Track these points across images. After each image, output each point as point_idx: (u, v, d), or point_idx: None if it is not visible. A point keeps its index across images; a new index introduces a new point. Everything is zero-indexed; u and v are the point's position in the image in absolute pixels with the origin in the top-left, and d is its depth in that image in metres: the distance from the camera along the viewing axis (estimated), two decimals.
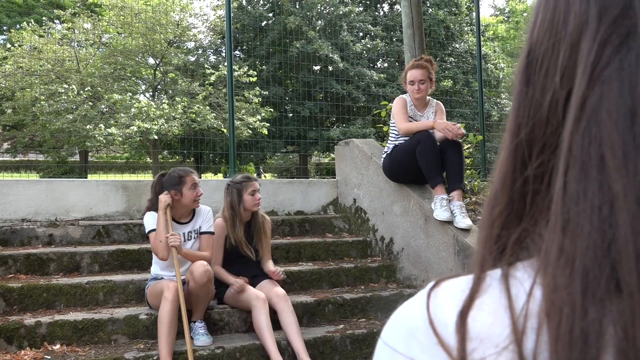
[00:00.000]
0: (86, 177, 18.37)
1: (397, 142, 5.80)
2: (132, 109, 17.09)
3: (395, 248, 6.08)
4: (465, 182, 7.12)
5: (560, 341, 0.50)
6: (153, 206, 4.89)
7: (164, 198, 4.73)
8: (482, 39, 23.72)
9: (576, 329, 0.50)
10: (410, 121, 5.65)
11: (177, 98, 17.96)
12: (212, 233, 4.97)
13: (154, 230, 4.74)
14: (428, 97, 5.79)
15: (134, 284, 5.25)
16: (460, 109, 19.89)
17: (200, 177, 15.32)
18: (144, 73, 20.96)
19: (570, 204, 0.53)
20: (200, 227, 4.96)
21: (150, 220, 4.81)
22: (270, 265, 5.16)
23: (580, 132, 0.54)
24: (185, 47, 21.76)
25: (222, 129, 17.55)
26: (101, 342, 4.80)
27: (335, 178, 7.23)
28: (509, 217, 0.61)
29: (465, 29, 23.40)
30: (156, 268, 4.93)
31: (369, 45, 22.03)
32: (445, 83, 20.88)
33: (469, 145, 7.58)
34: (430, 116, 5.74)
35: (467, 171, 7.37)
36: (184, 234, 4.88)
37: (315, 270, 5.81)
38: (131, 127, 16.62)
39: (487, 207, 0.63)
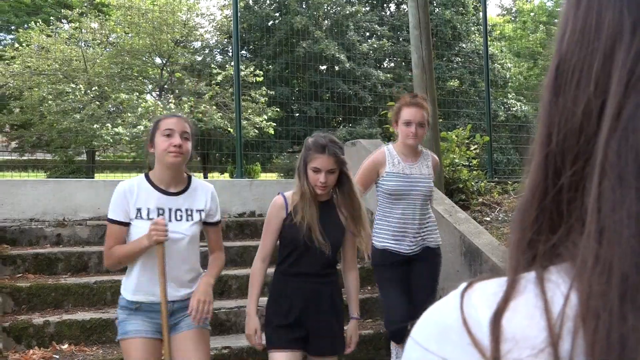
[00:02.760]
0: (93, 177, 18.43)
1: (380, 235, 4.54)
2: (139, 109, 17.10)
3: None
4: (472, 183, 7.13)
5: (597, 346, 0.51)
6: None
7: (155, 229, 3.19)
8: (489, 38, 23.68)
9: (614, 335, 0.50)
10: (392, 184, 4.45)
11: (183, 98, 17.97)
12: (219, 223, 3.62)
13: (116, 222, 3.32)
14: (420, 147, 4.68)
15: None
16: (467, 109, 19.85)
17: (207, 178, 15.34)
18: (150, 73, 20.98)
19: (606, 211, 0.54)
20: (200, 211, 3.46)
21: (117, 201, 3.32)
22: (353, 278, 3.77)
23: (616, 140, 0.55)
24: (192, 47, 21.79)
25: (229, 129, 17.54)
26: (109, 342, 4.83)
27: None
28: (541, 224, 0.61)
29: (472, 28, 23.35)
30: (130, 285, 3.38)
31: (375, 45, 22.01)
32: (451, 83, 20.85)
33: (476, 146, 7.57)
34: (424, 170, 4.56)
35: (474, 172, 7.37)
36: (170, 210, 3.36)
37: None
38: (138, 127, 16.63)
39: (519, 212, 0.64)
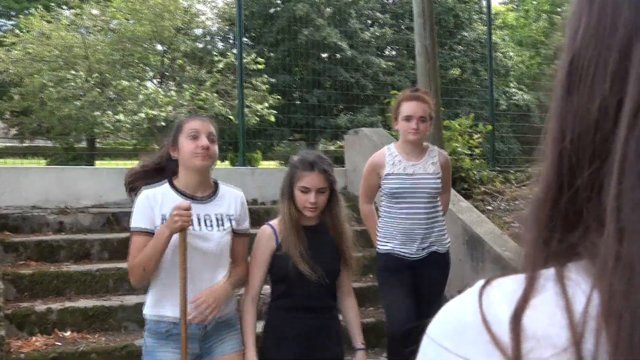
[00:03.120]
0: (93, 164, 18.42)
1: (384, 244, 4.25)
2: (140, 96, 17.07)
3: None
4: (475, 172, 7.13)
5: (621, 346, 0.50)
6: (152, 174, 3.23)
7: (182, 208, 2.88)
8: (493, 27, 23.60)
9: (637, 335, 0.49)
10: (392, 184, 4.16)
11: (184, 85, 17.92)
12: (248, 234, 3.29)
13: (142, 231, 3.00)
14: (426, 143, 4.31)
15: None
16: (469, 98, 19.82)
17: None
18: (151, 60, 20.91)
19: (626, 211, 0.53)
20: (231, 217, 3.16)
21: (141, 208, 3.04)
22: (351, 305, 3.43)
23: (635, 139, 0.54)
24: (193, 34, 21.69)
25: (230, 116, 17.51)
26: (111, 329, 4.85)
27: (344, 167, 7.22)
28: (556, 222, 0.61)
29: (475, 17, 23.26)
30: (154, 298, 3.09)
31: (377, 33, 21.94)
32: (453, 72, 20.79)
33: (479, 135, 7.56)
34: (430, 168, 4.15)
35: (477, 161, 7.36)
36: (199, 217, 3.05)
37: None
38: (139, 114, 16.60)
39: (532, 210, 0.64)
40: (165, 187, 3.08)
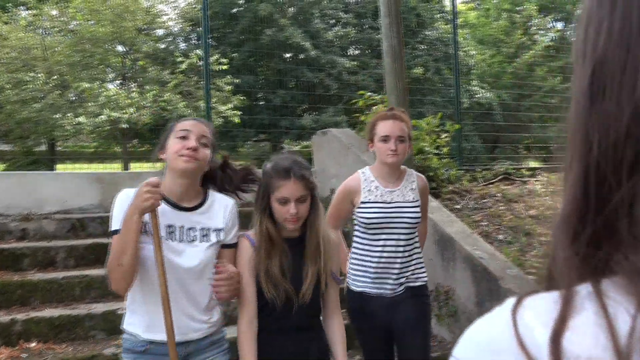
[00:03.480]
0: (54, 168, 18.10)
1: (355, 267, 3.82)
2: (101, 98, 16.84)
3: None
4: (442, 171, 7.15)
5: None
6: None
7: (150, 185, 2.58)
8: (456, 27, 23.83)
9: None
10: (369, 213, 3.68)
11: (147, 86, 17.73)
12: (236, 246, 2.94)
13: (117, 232, 2.67)
14: (403, 166, 3.86)
15: None
16: (432, 97, 19.97)
17: None
18: (112, 61, 20.62)
19: None
20: (219, 231, 2.85)
21: (120, 209, 2.70)
22: (336, 325, 3.05)
23: None
24: (155, 35, 21.45)
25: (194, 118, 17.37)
26: (79, 339, 4.74)
27: (312, 168, 7.19)
28: (586, 237, 0.59)
29: (437, 16, 23.43)
30: (140, 320, 2.78)
31: (340, 33, 21.95)
32: (416, 71, 20.90)
33: (447, 134, 7.59)
34: (409, 195, 3.74)
35: (444, 160, 7.39)
36: (182, 229, 2.77)
37: None
38: (100, 116, 16.38)
39: (561, 225, 0.61)
40: None
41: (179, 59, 17.67)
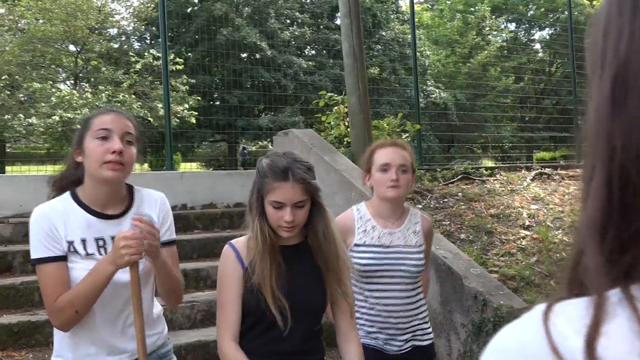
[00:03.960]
0: (4, 170, 17.63)
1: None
2: (53, 98, 16.50)
3: None
4: None
5: None
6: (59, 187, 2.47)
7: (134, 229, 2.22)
8: (407, 27, 24.10)
9: None
10: (363, 259, 3.05)
11: (100, 86, 17.44)
12: (174, 242, 2.60)
13: (50, 259, 2.28)
14: (406, 204, 3.29)
15: None
16: (388, 97, 20.10)
17: None
18: (64, 61, 20.23)
19: None
20: None
21: (40, 232, 2.29)
22: (353, 352, 2.54)
23: None
24: (107, 34, 21.11)
25: (149, 118, 17.16)
26: (39, 345, 4.61)
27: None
28: (611, 242, 0.58)
29: (392, 16, 23.61)
30: (73, 347, 2.38)
31: (296, 33, 21.95)
32: (372, 71, 21.02)
33: (407, 135, 7.64)
34: (412, 239, 3.12)
35: None
36: (113, 240, 2.30)
37: None
38: (53, 117, 16.05)
39: (587, 232, 0.61)
40: (65, 200, 2.37)
41: (133, 59, 17.43)
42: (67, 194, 2.38)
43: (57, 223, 2.29)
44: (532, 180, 7.81)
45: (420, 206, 6.69)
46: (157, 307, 2.60)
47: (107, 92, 16.86)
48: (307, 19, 22.45)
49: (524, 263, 5.56)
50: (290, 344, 2.39)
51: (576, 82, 11.19)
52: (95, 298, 2.24)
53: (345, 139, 7.24)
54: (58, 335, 2.39)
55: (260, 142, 23.39)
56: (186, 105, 17.17)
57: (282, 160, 2.37)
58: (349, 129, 7.05)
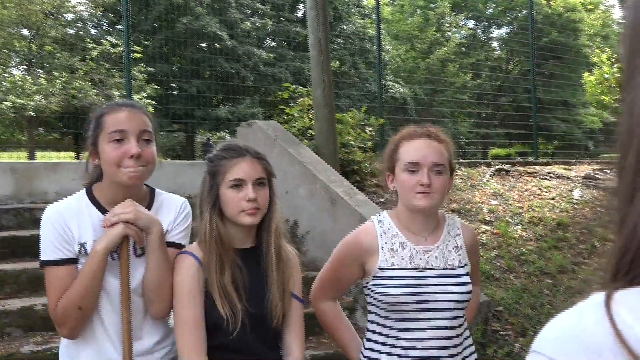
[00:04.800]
0: None
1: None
2: (4, 83, 16.11)
3: (300, 231, 6.05)
4: (366, 165, 7.21)
5: None
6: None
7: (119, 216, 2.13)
8: (368, 21, 24.16)
9: None
10: (394, 289, 2.25)
11: (55, 73, 17.06)
12: (181, 247, 2.34)
13: (60, 262, 2.15)
14: (441, 211, 2.46)
15: (27, 273, 4.91)
16: (348, 90, 20.14)
17: (79, 159, 14.62)
18: (17, 45, 19.72)
19: None
20: (165, 234, 2.26)
21: (52, 232, 2.16)
22: (294, 349, 2.30)
23: None
24: (63, 19, 20.64)
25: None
26: None
27: None
28: None
29: (353, 10, 23.64)
30: (84, 354, 2.24)
31: (257, 24, 21.80)
32: (332, 64, 21.04)
33: (371, 129, 7.65)
34: (452, 255, 2.36)
35: (368, 153, 7.45)
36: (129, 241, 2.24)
37: None
38: (5, 103, 15.66)
39: (627, 224, 0.61)
40: (80, 198, 2.24)
41: (90, 46, 17.09)
42: (83, 192, 2.26)
43: (70, 223, 2.17)
44: (491, 176, 7.91)
45: (382, 199, 6.72)
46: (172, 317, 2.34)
47: (62, 79, 16.51)
48: (268, 10, 22.32)
49: (484, 258, 5.62)
50: (255, 355, 2.21)
51: (535, 80, 11.36)
52: (95, 289, 2.12)
53: (309, 132, 7.21)
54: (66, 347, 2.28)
55: (217, 133, 23.21)
56: (144, 94, 16.92)
57: (236, 143, 2.28)
58: (313, 122, 7.02)
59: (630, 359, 0.53)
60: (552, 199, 7.04)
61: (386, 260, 2.30)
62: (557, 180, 7.81)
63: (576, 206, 6.77)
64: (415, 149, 2.31)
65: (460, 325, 2.35)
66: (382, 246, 2.32)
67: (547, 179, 7.86)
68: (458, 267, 2.35)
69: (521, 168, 8.49)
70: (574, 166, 9.09)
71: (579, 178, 7.88)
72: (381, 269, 2.29)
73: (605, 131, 22.33)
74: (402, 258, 2.31)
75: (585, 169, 8.70)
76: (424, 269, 2.30)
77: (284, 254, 2.28)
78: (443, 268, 2.33)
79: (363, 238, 2.35)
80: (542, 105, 15.40)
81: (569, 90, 20.13)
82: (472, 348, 2.45)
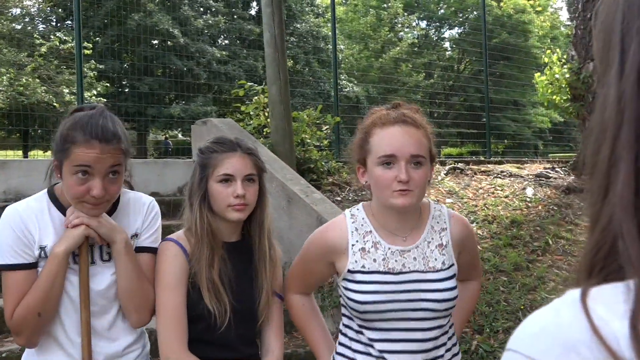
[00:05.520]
0: None
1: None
2: None
3: None
4: (323, 163, 7.20)
5: None
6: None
7: (77, 221, 2.02)
8: (321, 20, 24.21)
9: None
10: (362, 295, 1.99)
11: (1, 69, 16.61)
12: (156, 251, 2.23)
13: (18, 267, 2.03)
14: (426, 199, 2.13)
15: None
16: (302, 89, 20.12)
17: (27, 156, 14.22)
18: None
19: None
20: (135, 237, 2.21)
21: (10, 235, 2.03)
22: (274, 347, 2.28)
23: None
24: (9, 14, 20.10)
25: (54, 104, 16.50)
26: None
27: (192, 158, 6.99)
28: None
29: (307, 9, 23.63)
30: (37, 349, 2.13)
31: (210, 21, 21.60)
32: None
33: (327, 127, 7.64)
34: (434, 256, 2.05)
35: (324, 151, 7.44)
36: (92, 247, 2.13)
37: None
38: None
39: (623, 217, 0.60)
40: (42, 200, 2.11)
41: (38, 42, 16.69)
42: (43, 193, 2.13)
43: (30, 226, 2.04)
44: (446, 174, 7.98)
45: (338, 198, 6.72)
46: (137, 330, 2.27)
47: (8, 75, 16.09)
48: (221, 8, 22.14)
49: None
50: (237, 351, 2.19)
51: (489, 80, 11.52)
52: (56, 294, 2.02)
53: (264, 130, 7.16)
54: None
55: (170, 131, 22.94)
56: (94, 92, 16.61)
57: (228, 137, 2.25)
58: (268, 120, 6.97)
59: (607, 355, 0.53)
60: (506, 197, 7.13)
61: (356, 262, 2.03)
62: (510, 178, 7.92)
63: (529, 204, 6.87)
64: (389, 138, 1.97)
65: (443, 335, 2.06)
66: (353, 245, 2.05)
67: (500, 178, 7.96)
68: (440, 270, 2.03)
69: (475, 167, 8.59)
70: (526, 165, 9.25)
71: (531, 176, 8.01)
72: (350, 271, 2.03)
73: (554, 131, 22.82)
74: (374, 260, 2.03)
75: (537, 167, 8.85)
76: (399, 273, 2.01)
77: (272, 250, 2.25)
78: (421, 272, 2.02)
79: (330, 235, 2.10)
80: (493, 105, 15.62)
81: (519, 90, 20.50)
82: (456, 347, 2.16)
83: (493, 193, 7.32)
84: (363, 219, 2.09)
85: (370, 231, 2.07)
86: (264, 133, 7.14)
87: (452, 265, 2.06)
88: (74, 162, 1.93)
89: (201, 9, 22.58)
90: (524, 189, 7.43)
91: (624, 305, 0.55)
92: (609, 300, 0.57)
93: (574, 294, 0.59)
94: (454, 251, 2.09)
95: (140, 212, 2.23)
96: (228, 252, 2.18)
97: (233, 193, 2.11)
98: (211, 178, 2.14)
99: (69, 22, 21.14)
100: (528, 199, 7.04)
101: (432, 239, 2.07)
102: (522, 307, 4.85)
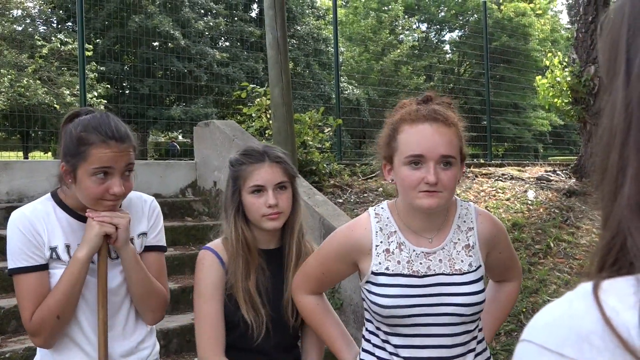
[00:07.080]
0: None
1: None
2: None
3: None
4: (324, 165, 7.21)
5: None
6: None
7: (97, 221, 2.06)
8: (323, 23, 24.23)
9: None
10: (386, 298, 1.91)
11: (2, 70, 16.62)
12: (163, 249, 2.33)
13: (31, 269, 2.05)
14: (456, 198, 2.06)
15: None
16: (302, 91, 20.12)
17: (27, 157, 14.21)
18: None
19: None
20: (143, 235, 2.28)
21: (20, 238, 2.05)
22: (312, 354, 2.32)
23: None
24: (10, 16, 20.11)
25: (55, 105, 16.51)
26: None
27: (193, 160, 7.00)
28: None
29: (307, 11, 23.65)
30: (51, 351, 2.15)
31: (211, 23, 21.62)
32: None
33: (329, 129, 7.65)
34: (461, 258, 1.95)
35: (325, 154, 7.45)
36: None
37: (177, 256, 5.60)
38: None
39: (630, 215, 0.63)
40: (46, 202, 2.15)
41: (39, 43, 16.70)
42: (48, 196, 2.17)
43: (39, 227, 2.07)
44: None
45: (340, 200, 6.72)
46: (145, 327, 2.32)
47: (9, 77, 16.09)
48: (222, 10, 22.16)
49: None
50: (265, 357, 2.20)
51: (489, 83, 11.53)
52: (76, 297, 2.05)
53: (267, 132, 7.16)
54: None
55: (170, 133, 22.96)
56: (95, 93, 16.62)
57: (255, 147, 2.26)
58: (270, 122, 6.97)
59: (619, 345, 0.55)
60: (507, 199, 7.14)
61: (379, 263, 1.96)
62: (512, 181, 7.94)
63: (531, 207, 6.88)
64: (418, 137, 1.85)
65: (471, 340, 1.99)
66: (377, 246, 1.97)
67: (501, 181, 7.98)
68: (467, 273, 1.94)
69: (476, 169, 8.60)
70: (527, 168, 9.26)
71: (532, 179, 8.03)
72: (374, 273, 1.96)
73: (553, 134, 22.83)
74: (399, 262, 1.95)
75: (538, 170, 8.87)
76: (424, 276, 1.93)
77: (303, 254, 2.26)
78: (447, 274, 1.94)
79: (356, 234, 2.00)
80: (493, 107, 15.64)
81: (519, 93, 20.51)
82: (486, 354, 2.07)
83: (494, 196, 7.33)
84: (388, 218, 2.01)
85: (395, 231, 1.99)
86: (266, 135, 7.15)
87: (480, 266, 1.98)
88: (94, 164, 1.98)
89: (202, 11, 22.59)
90: (525, 191, 7.44)
91: (635, 297, 0.57)
92: (620, 292, 0.59)
93: (586, 286, 0.61)
94: (482, 252, 2.00)
95: (144, 212, 2.29)
96: (267, 259, 2.23)
97: (265, 203, 2.14)
98: (243, 190, 2.17)
99: (70, 23, 21.17)
100: (529, 202, 7.05)
101: (459, 239, 1.99)
102: (524, 309, 4.85)
